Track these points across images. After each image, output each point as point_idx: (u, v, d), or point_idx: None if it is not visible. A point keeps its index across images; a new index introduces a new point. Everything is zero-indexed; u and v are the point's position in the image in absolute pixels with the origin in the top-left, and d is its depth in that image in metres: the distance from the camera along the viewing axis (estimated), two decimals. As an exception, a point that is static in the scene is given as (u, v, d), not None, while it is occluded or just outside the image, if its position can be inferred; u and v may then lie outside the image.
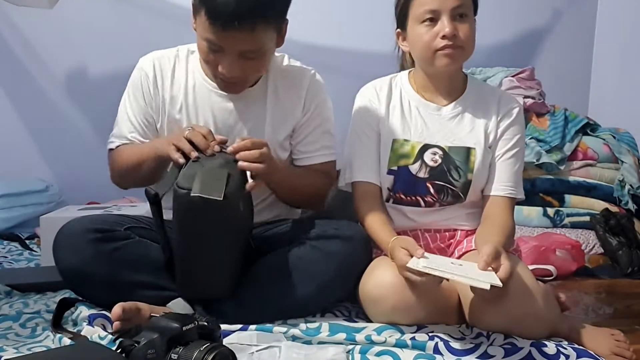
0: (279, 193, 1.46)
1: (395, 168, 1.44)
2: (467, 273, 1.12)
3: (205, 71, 1.44)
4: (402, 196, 1.45)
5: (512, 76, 2.48)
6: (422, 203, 1.44)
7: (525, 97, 2.42)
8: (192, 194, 1.15)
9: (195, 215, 1.18)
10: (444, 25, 1.34)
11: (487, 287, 1.07)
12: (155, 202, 1.25)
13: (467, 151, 1.43)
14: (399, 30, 1.46)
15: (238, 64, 1.30)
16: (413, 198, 1.44)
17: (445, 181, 1.43)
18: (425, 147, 1.43)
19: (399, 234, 1.46)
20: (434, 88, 1.46)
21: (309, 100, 1.48)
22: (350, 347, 1.15)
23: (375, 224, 1.38)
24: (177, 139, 1.25)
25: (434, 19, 1.35)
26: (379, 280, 1.26)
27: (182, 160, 1.23)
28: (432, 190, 1.43)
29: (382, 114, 1.46)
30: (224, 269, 1.27)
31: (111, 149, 1.48)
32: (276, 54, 1.47)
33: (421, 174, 1.43)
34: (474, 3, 1.40)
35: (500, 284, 1.08)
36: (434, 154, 1.43)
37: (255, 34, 1.26)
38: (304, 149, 1.50)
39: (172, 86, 1.45)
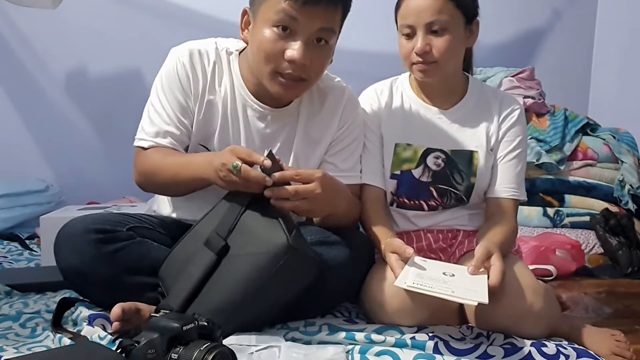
0: (321, 221, 1.37)
1: (398, 172, 1.44)
2: (457, 284, 1.12)
3: (245, 79, 1.36)
4: (406, 200, 1.45)
5: (512, 76, 2.49)
6: (426, 207, 1.45)
7: (525, 97, 2.42)
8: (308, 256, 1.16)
9: (298, 271, 1.17)
10: (417, 41, 1.35)
11: (474, 304, 1.08)
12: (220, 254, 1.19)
13: (470, 155, 1.43)
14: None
15: (309, 50, 1.23)
16: (416, 202, 1.45)
17: (449, 185, 1.43)
18: (428, 151, 1.43)
19: (400, 235, 1.46)
20: (432, 92, 1.46)
21: (345, 118, 1.41)
22: (350, 347, 1.15)
23: (375, 227, 1.37)
24: (228, 175, 1.16)
25: (410, 34, 1.36)
26: (383, 282, 1.26)
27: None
28: (435, 194, 1.43)
29: (384, 118, 1.46)
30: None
31: (141, 148, 1.34)
32: None
33: (424, 178, 1.43)
34: (464, 13, 1.37)
35: (486, 301, 1.08)
36: (437, 158, 1.43)
37: (334, 11, 1.24)
38: (335, 167, 1.41)
39: (214, 86, 1.35)
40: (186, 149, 1.37)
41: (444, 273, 1.19)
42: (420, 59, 1.35)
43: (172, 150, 1.33)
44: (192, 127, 1.35)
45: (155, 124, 1.34)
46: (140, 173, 1.35)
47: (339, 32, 1.31)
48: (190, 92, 1.34)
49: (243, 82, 1.36)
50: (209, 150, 1.35)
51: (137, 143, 1.36)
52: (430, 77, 1.39)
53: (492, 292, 1.12)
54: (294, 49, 1.22)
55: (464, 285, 1.13)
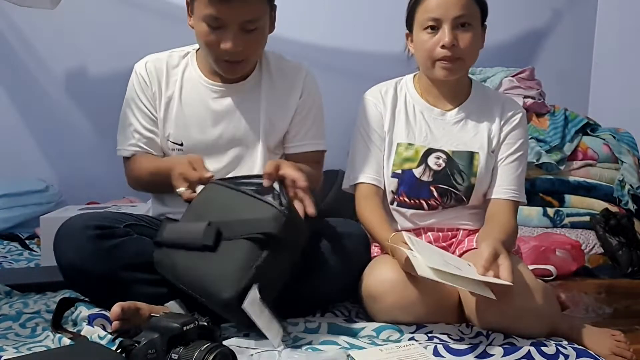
0: None
1: (399, 171, 1.44)
2: (470, 276, 1.13)
3: (201, 68, 1.48)
4: (406, 199, 1.45)
5: (512, 76, 2.49)
6: (426, 206, 1.45)
7: (525, 97, 2.42)
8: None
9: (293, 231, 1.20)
10: (445, 34, 1.34)
11: (490, 296, 1.09)
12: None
13: (471, 156, 1.43)
14: (407, 32, 1.47)
15: (240, 38, 1.34)
16: (416, 201, 1.45)
17: (449, 185, 1.43)
18: (429, 152, 1.44)
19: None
20: (438, 93, 1.47)
21: (306, 90, 1.51)
22: (351, 349, 1.15)
23: (375, 222, 1.39)
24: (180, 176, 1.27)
25: (435, 27, 1.36)
26: (380, 277, 1.27)
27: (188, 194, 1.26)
28: (435, 194, 1.44)
29: (387, 118, 1.47)
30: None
31: (125, 157, 1.51)
32: (271, 51, 1.51)
33: (425, 178, 1.43)
34: (482, 11, 1.39)
35: (493, 296, 1.11)
36: (438, 158, 1.43)
37: (253, 2, 1.33)
38: (296, 136, 1.52)
39: (168, 86, 1.48)
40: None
41: (448, 262, 1.18)
42: (448, 54, 1.35)
43: (150, 156, 1.48)
44: (157, 128, 1.48)
45: (125, 134, 1.50)
46: (129, 178, 1.52)
47: (271, 9, 1.40)
48: (148, 97, 1.47)
49: (200, 71, 1.48)
50: (177, 145, 1.47)
51: (118, 154, 1.52)
52: (454, 75, 1.39)
53: (503, 290, 1.12)
54: (225, 41, 1.34)
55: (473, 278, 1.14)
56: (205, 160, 1.40)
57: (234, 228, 1.18)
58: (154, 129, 1.48)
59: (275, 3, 1.42)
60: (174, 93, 1.47)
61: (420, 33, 1.39)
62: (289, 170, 1.23)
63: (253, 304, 1.11)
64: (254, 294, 1.11)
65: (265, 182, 1.24)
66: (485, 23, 1.44)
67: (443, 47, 1.35)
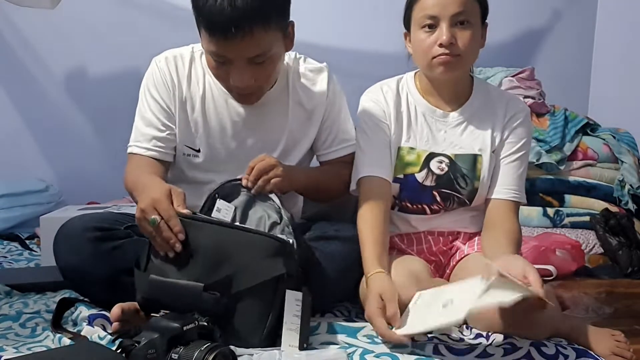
0: (307, 195, 1.51)
1: (401, 176, 1.42)
2: (446, 312, 1.06)
3: None
4: (408, 204, 1.44)
5: (512, 76, 2.49)
6: (428, 211, 1.44)
7: (525, 97, 2.42)
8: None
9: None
10: (442, 32, 1.31)
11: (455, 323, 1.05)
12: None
13: (474, 158, 1.41)
14: (405, 31, 1.44)
15: (248, 73, 1.27)
16: (419, 206, 1.43)
17: (452, 189, 1.41)
18: (431, 156, 1.41)
19: (400, 237, 1.46)
20: (438, 93, 1.43)
21: (330, 95, 1.48)
22: (351, 350, 1.14)
23: (367, 238, 1.30)
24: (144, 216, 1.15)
25: (433, 25, 1.32)
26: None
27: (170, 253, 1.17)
28: (438, 199, 1.42)
29: (391, 118, 1.43)
30: None
31: (132, 154, 1.43)
32: (292, 54, 1.47)
33: (427, 182, 1.41)
34: (482, 9, 1.36)
35: (462, 318, 1.01)
36: (440, 162, 1.41)
37: (257, 37, 1.21)
38: (325, 142, 1.50)
39: (190, 87, 1.42)
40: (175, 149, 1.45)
41: (442, 304, 1.10)
42: (446, 51, 1.31)
43: (145, 164, 1.38)
44: (175, 127, 1.42)
45: (141, 130, 1.42)
46: (125, 178, 1.40)
47: (284, 31, 1.31)
48: (169, 94, 1.40)
49: None
50: (194, 151, 1.43)
51: (127, 150, 1.44)
52: (451, 72, 1.35)
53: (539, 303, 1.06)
54: (234, 76, 1.28)
55: (460, 303, 1.06)
56: (222, 170, 1.40)
57: (238, 281, 1.12)
58: (170, 126, 1.42)
59: (291, 19, 1.33)
60: (195, 95, 1.42)
61: (417, 32, 1.35)
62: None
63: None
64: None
65: (244, 181, 1.25)
66: (487, 21, 1.40)
67: (441, 45, 1.31)
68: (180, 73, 1.41)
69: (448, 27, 1.31)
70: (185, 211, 1.16)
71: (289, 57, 1.47)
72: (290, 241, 1.17)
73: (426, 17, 1.33)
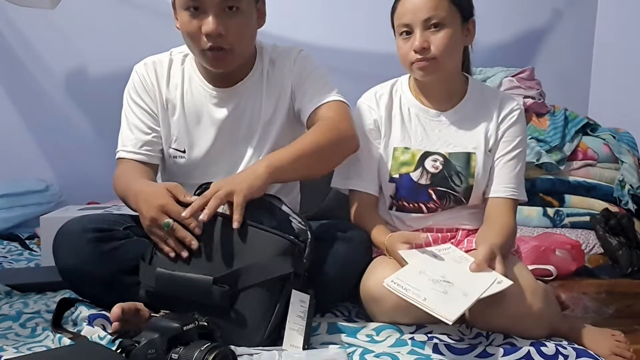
0: (308, 171, 1.37)
1: (396, 176, 1.44)
2: (438, 294, 1.09)
3: (201, 72, 1.45)
4: (405, 203, 1.45)
5: (512, 76, 2.48)
6: (425, 209, 1.45)
7: (525, 97, 2.42)
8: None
9: None
10: (415, 38, 1.36)
11: (440, 319, 1.05)
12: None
13: (468, 156, 1.43)
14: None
15: (220, 18, 1.30)
16: (415, 205, 1.45)
17: (447, 187, 1.43)
18: (426, 155, 1.44)
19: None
20: (430, 93, 1.47)
21: (298, 65, 1.46)
22: (351, 349, 1.15)
23: (372, 226, 1.40)
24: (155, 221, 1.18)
25: (409, 32, 1.37)
26: (380, 279, 1.26)
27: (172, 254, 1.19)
28: (434, 197, 1.44)
29: (383, 122, 1.47)
30: None
31: (118, 158, 1.47)
32: (266, 44, 1.49)
33: (423, 181, 1.43)
34: (459, 9, 1.38)
35: (451, 319, 1.04)
36: (435, 160, 1.43)
37: None
38: (303, 100, 1.44)
39: (169, 89, 1.46)
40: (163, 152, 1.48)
41: (442, 277, 1.14)
42: (419, 56, 1.36)
43: (134, 169, 1.41)
44: (159, 129, 1.46)
45: (127, 135, 1.46)
46: (114, 183, 1.45)
47: (259, 17, 1.38)
48: (151, 98, 1.45)
49: (200, 75, 1.46)
50: (180, 152, 1.46)
51: (116, 156, 1.47)
52: (429, 75, 1.39)
53: (492, 296, 1.12)
54: (207, 24, 1.30)
55: (455, 292, 1.10)
56: (209, 166, 1.41)
57: (246, 276, 1.14)
58: (156, 128, 1.46)
59: (272, 2, 1.40)
60: (175, 97, 1.45)
61: (398, 39, 1.41)
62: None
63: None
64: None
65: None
66: (473, 18, 1.42)
67: (415, 51, 1.36)
68: (159, 76, 1.46)
69: (421, 32, 1.35)
70: (192, 198, 1.19)
71: (261, 46, 1.49)
72: (308, 235, 1.20)
73: (402, 25, 1.38)
